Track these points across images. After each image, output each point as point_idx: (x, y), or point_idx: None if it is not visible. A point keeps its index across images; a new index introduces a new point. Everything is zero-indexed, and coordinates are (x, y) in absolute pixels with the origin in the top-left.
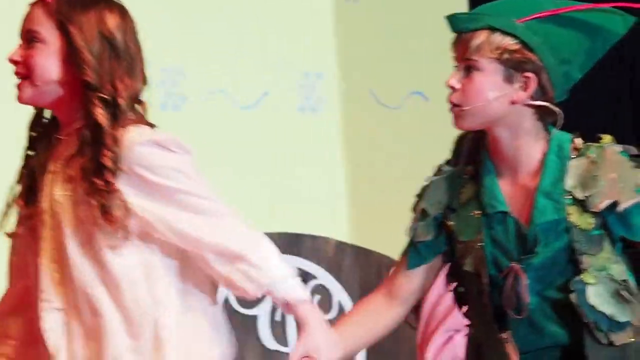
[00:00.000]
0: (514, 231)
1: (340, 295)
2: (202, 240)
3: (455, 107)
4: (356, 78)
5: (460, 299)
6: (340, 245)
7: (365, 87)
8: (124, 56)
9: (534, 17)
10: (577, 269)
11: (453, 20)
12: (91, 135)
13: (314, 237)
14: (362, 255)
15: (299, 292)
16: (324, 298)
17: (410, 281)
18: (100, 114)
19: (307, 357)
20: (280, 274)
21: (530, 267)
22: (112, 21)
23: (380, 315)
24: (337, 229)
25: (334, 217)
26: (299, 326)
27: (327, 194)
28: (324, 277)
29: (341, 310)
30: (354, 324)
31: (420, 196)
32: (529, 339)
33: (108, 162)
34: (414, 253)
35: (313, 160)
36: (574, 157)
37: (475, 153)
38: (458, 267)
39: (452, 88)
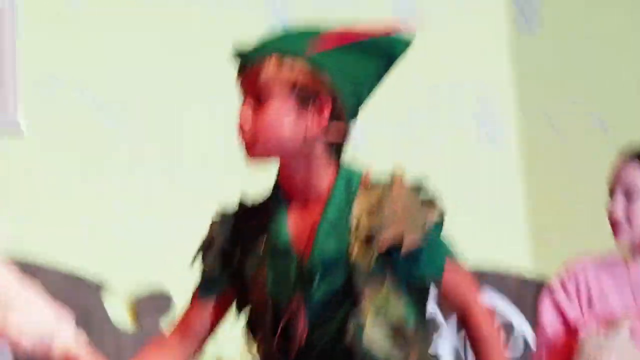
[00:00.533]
0: (294, 267)
1: (523, 329)
2: None
3: (249, 142)
4: (533, 108)
5: (251, 334)
6: (523, 280)
7: (542, 116)
8: None
9: (323, 47)
10: (356, 307)
11: (241, 55)
12: None
13: (497, 272)
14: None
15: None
16: (508, 334)
17: (202, 315)
18: None
19: None
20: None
21: (308, 304)
22: None
23: (170, 349)
24: (518, 262)
25: (515, 251)
26: None
27: (506, 226)
28: (508, 311)
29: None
30: None
31: (214, 226)
32: None
33: None
34: (205, 285)
35: (491, 191)
36: (362, 190)
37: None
38: (246, 302)
39: (243, 128)
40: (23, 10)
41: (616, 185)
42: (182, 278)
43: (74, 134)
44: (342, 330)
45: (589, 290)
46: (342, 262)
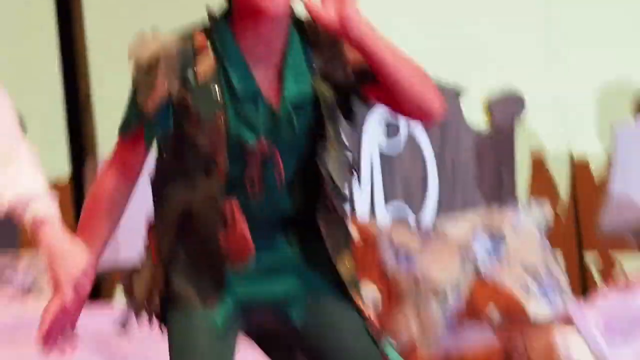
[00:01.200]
0: (264, 111)
1: None
2: None
3: None
4: None
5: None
6: None
7: None
8: None
9: None
10: (322, 140)
11: None
12: None
13: None
14: None
15: (47, 211)
16: None
17: (141, 154)
18: None
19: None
20: (32, 188)
21: (280, 142)
22: None
23: (121, 194)
24: None
25: None
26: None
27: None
28: None
29: None
30: (101, 218)
31: (151, 67)
32: (262, 211)
33: None
34: (149, 127)
35: None
36: (310, 33)
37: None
38: (184, 140)
39: None
40: None
41: None
42: (533, 80)
43: None
44: (309, 164)
45: None
46: (308, 102)
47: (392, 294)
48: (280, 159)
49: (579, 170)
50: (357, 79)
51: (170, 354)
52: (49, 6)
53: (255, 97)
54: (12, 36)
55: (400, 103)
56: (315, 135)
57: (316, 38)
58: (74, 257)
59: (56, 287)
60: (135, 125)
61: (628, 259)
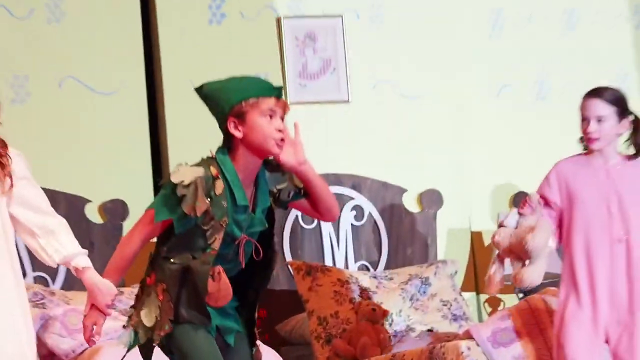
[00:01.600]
0: (247, 215)
1: None
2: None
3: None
4: None
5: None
6: None
7: None
8: None
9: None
10: (273, 233)
11: (278, 90)
12: None
13: None
14: None
15: (83, 262)
16: None
17: (159, 232)
18: None
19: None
20: (73, 249)
21: (252, 235)
22: None
23: (136, 255)
24: None
25: None
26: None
27: None
28: None
29: None
30: (122, 269)
31: (192, 187)
32: (230, 273)
33: None
34: (182, 219)
35: None
36: (268, 170)
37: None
38: (197, 230)
39: (282, 133)
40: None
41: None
42: (448, 181)
43: None
44: (266, 247)
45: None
46: (268, 209)
47: (357, 317)
48: (252, 242)
49: (476, 240)
50: (289, 196)
51: (183, 351)
52: (143, 117)
53: (245, 207)
54: (109, 140)
55: (318, 209)
56: (268, 227)
57: (274, 170)
58: (106, 289)
59: (92, 307)
60: (170, 217)
61: (508, 298)
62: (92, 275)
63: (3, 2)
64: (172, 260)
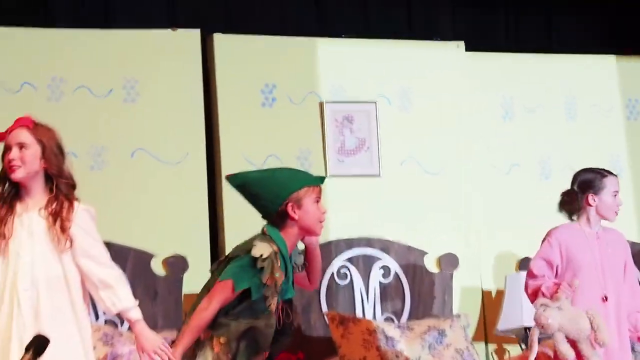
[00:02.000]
0: (287, 284)
1: None
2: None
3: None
4: None
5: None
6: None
7: None
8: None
9: None
10: (291, 303)
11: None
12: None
13: None
14: None
15: (135, 315)
16: None
17: (231, 299)
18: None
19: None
20: (128, 303)
21: (285, 294)
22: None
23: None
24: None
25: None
26: (136, 337)
27: None
28: None
29: None
30: (198, 333)
31: (269, 260)
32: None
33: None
34: (260, 288)
35: None
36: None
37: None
38: (262, 303)
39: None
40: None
41: None
42: (461, 250)
43: None
44: (288, 312)
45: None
46: (290, 288)
47: None
48: (285, 307)
49: (487, 297)
50: (299, 270)
51: None
52: (202, 184)
53: (288, 278)
54: (169, 211)
55: (312, 279)
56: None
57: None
58: (153, 338)
59: (142, 354)
60: (249, 286)
61: (512, 347)
62: (142, 327)
63: (85, 83)
64: (240, 319)
